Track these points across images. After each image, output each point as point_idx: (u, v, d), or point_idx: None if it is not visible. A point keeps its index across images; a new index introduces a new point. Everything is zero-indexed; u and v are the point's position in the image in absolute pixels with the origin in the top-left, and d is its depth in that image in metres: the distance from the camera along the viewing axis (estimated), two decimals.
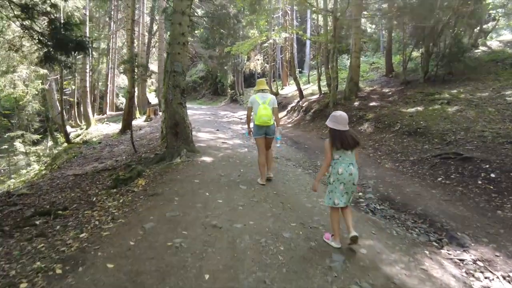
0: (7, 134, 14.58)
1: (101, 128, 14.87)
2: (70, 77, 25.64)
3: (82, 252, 3.34)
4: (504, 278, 3.48)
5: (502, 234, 4.38)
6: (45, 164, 10.55)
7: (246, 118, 5.78)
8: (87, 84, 15.42)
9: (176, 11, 7.26)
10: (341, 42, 20.33)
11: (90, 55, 8.12)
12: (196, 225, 3.89)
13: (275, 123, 5.44)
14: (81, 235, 3.84)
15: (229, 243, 3.51)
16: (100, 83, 29.77)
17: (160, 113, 17.86)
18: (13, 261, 3.26)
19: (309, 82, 22.74)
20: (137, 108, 19.05)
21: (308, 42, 30.41)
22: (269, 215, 4.31)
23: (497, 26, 20.36)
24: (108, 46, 25.69)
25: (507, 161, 6.05)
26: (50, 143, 16.13)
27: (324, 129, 12.60)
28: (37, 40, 4.97)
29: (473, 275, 3.53)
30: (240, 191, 5.20)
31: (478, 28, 17.78)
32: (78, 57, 15.68)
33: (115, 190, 5.61)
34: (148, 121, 15.76)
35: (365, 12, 16.77)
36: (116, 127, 14.55)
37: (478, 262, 3.77)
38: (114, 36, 25.43)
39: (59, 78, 12.36)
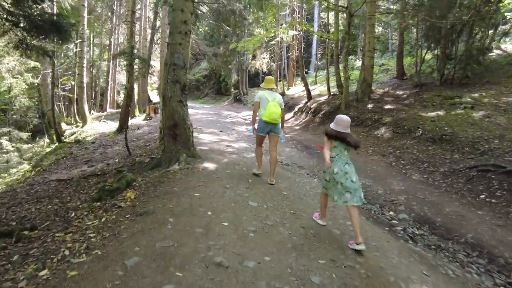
0: None
1: (98, 126, 13.92)
2: (69, 72, 24.77)
3: None
4: None
5: None
6: (31, 166, 9.62)
7: (252, 114, 5.55)
8: (84, 80, 14.47)
9: None
10: (353, 41, 19.37)
11: (72, 41, 7.18)
12: (194, 262, 2.90)
13: (281, 123, 5.32)
14: (41, 273, 2.85)
15: None
16: (101, 80, 28.84)
17: (159, 111, 16.91)
18: None
19: (316, 83, 21.75)
20: (137, 106, 18.08)
21: (314, 42, 29.40)
22: (290, 247, 3.32)
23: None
24: (110, 41, 24.73)
25: None
26: (47, 140, 15.21)
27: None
28: (5, 19, 4.02)
29: None
30: (249, 210, 4.21)
31: (492, 30, 16.78)
32: (75, 49, 14.72)
33: (99, 203, 4.62)
34: (147, 119, 14.79)
35: (378, 10, 15.76)
36: (114, 125, 13.59)
37: None
38: (116, 31, 24.47)
39: (50, 71, 11.40)
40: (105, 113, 24.15)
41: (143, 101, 18.73)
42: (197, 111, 17.79)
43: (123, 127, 12.65)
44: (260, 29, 21.57)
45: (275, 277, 2.76)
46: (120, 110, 22.31)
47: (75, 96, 24.22)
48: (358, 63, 22.06)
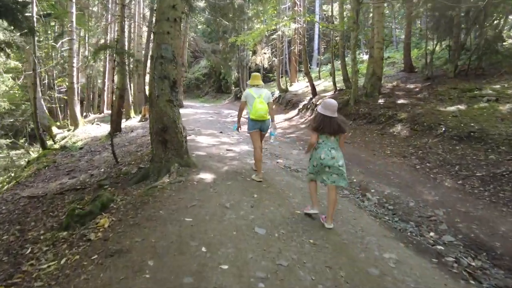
0: None
1: (90, 129, 12.94)
2: (65, 73, 23.75)
3: None
4: None
5: None
6: (7, 177, 8.64)
7: (238, 112, 5.62)
8: (74, 80, 13.45)
9: None
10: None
11: (33, 33, 6.18)
12: None
13: (270, 118, 5.23)
14: None
15: None
16: (99, 81, 27.83)
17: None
18: None
19: (319, 78, 20.62)
20: (132, 107, 17.04)
21: (316, 36, 28.23)
22: None
23: None
24: (106, 40, 23.67)
25: None
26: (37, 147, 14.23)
27: (347, 132, 10.54)
28: None
29: None
30: (256, 241, 3.19)
31: (504, 18, 15.68)
32: (63, 48, 13.68)
33: (65, 233, 3.61)
34: (143, 121, 13.75)
35: None
36: (107, 128, 12.56)
37: None
38: (112, 30, 23.38)
39: (32, 71, 10.40)
40: (102, 114, 23.17)
41: (139, 101, 17.65)
42: (196, 110, 16.78)
43: (115, 130, 11.65)
44: (260, 24, 20.49)
45: None
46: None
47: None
48: (363, 57, 20.96)
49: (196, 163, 5.65)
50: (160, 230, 3.29)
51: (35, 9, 10.04)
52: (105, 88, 24.39)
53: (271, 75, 26.14)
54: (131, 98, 16.80)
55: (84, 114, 22.35)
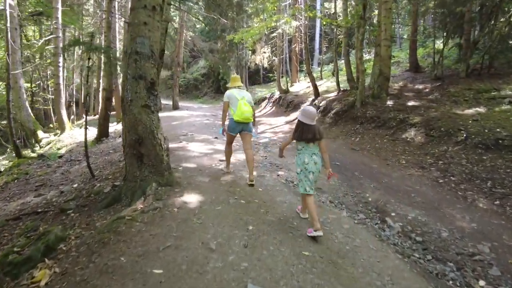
0: None
1: (77, 134, 11.96)
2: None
3: None
4: None
5: None
6: None
7: (222, 114, 5.24)
8: (60, 81, 12.46)
9: None
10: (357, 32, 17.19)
11: None
12: None
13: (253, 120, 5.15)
14: None
15: None
16: (95, 80, 26.81)
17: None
18: None
19: (321, 78, 19.62)
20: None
21: (317, 36, 27.24)
22: None
23: None
24: (100, 39, 22.66)
25: None
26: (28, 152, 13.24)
27: (354, 137, 9.55)
28: None
29: None
30: None
31: None
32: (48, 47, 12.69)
33: None
34: None
35: None
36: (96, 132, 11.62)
37: None
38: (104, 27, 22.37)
39: (6, 71, 9.40)
40: (97, 116, 22.17)
41: None
42: (192, 112, 15.79)
43: (102, 135, 10.68)
44: (260, 22, 19.48)
45: None
46: (113, 113, 20.29)
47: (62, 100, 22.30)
48: (366, 56, 19.91)
49: (179, 182, 4.67)
50: None
51: (8, 2, 9.06)
52: (100, 89, 23.39)
53: (271, 75, 25.16)
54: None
55: (72, 116, 21.31)
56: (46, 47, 12.43)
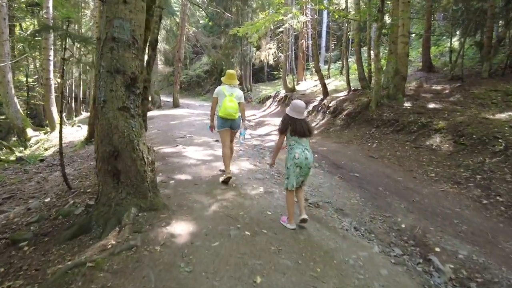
0: None
1: (68, 132, 11.02)
2: (56, 68, 21.80)
3: None
4: None
5: None
6: None
7: (210, 111, 5.06)
8: (51, 76, 11.50)
9: None
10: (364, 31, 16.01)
11: None
12: None
13: (242, 118, 4.97)
14: None
15: None
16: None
17: (149, 113, 13.89)
18: None
19: (329, 77, 18.56)
20: None
21: (324, 33, 26.14)
22: None
23: None
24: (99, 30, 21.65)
25: None
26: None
27: (370, 142, 8.53)
28: None
29: None
30: None
31: None
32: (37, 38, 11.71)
33: None
34: None
35: None
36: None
37: None
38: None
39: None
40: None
41: None
42: (193, 110, 14.80)
43: (92, 135, 9.70)
44: (266, 16, 18.43)
45: None
46: None
47: (61, 95, 21.35)
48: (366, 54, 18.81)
49: (168, 204, 3.68)
50: None
51: None
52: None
53: (275, 72, 24.09)
54: None
55: (64, 113, 20.36)
56: (36, 39, 11.45)
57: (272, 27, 15.29)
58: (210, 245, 2.94)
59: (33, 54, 16.77)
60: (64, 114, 18.71)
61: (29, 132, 11.81)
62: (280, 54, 17.46)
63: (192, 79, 33.32)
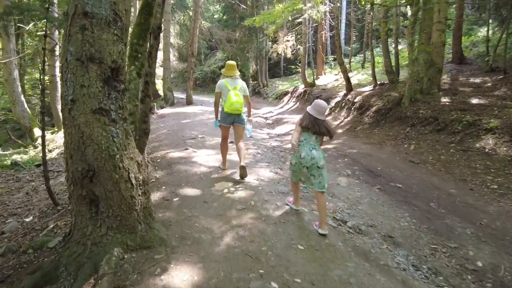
0: None
1: None
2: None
3: None
4: None
5: None
6: None
7: (214, 106, 4.83)
8: (56, 72, 10.78)
9: None
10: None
11: None
12: None
13: (247, 112, 4.84)
14: None
15: None
16: None
17: (158, 111, 13.08)
18: None
19: (350, 70, 17.32)
20: None
21: (342, 25, 24.73)
22: None
23: None
24: None
25: None
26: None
27: (407, 143, 7.41)
28: None
29: None
30: None
31: None
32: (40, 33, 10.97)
33: None
34: None
35: None
36: None
37: None
38: None
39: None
40: None
41: None
42: (207, 108, 13.88)
43: None
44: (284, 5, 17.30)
45: None
46: None
47: None
48: (401, 47, 17.36)
49: (166, 237, 2.74)
50: None
51: None
52: None
53: (293, 67, 22.94)
54: None
55: None
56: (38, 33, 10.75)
57: (290, 18, 14.19)
58: None
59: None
60: None
61: (37, 131, 11.16)
62: (298, 46, 16.32)
63: (207, 75, 32.46)
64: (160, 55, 20.92)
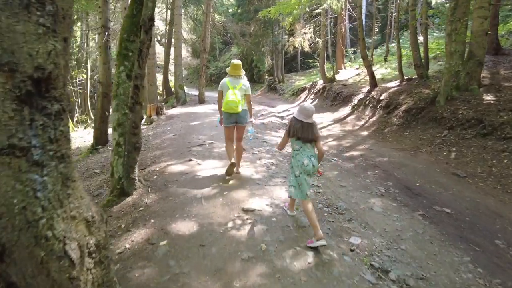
0: None
1: (79, 136, 9.66)
2: (82, 64, 20.93)
3: None
4: None
5: None
6: None
7: (217, 104, 4.77)
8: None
9: None
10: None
11: None
12: None
13: (248, 113, 4.68)
14: None
15: None
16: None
17: (168, 112, 12.31)
18: None
19: (372, 64, 16.04)
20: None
21: (363, 15, 23.26)
22: None
23: None
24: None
25: None
26: None
27: (446, 150, 6.32)
28: None
29: None
30: None
31: None
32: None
33: None
34: (147, 124, 10.31)
35: None
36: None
37: None
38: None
39: None
40: None
41: (152, 97, 14.15)
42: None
43: (99, 141, 8.21)
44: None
45: None
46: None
47: (88, 93, 20.48)
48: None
49: None
50: None
51: None
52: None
53: (310, 61, 21.74)
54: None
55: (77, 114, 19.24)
56: None
57: (308, 9, 13.10)
58: None
59: None
60: (76, 115, 17.68)
61: None
62: (317, 39, 15.18)
63: (221, 71, 31.60)
64: (171, 51, 20.19)
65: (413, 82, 10.67)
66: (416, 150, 6.71)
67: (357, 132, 8.74)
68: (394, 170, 5.60)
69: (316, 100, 14.15)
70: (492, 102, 7.20)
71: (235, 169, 4.67)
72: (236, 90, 4.45)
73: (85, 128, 11.77)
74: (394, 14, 18.22)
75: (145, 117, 12.23)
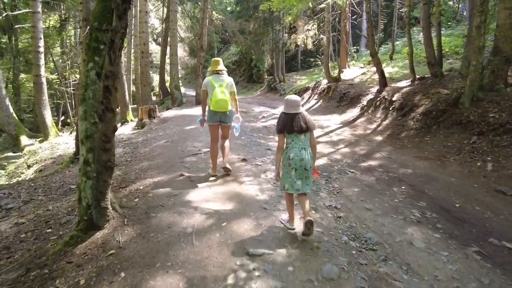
0: None
1: (62, 142, 8.74)
2: (75, 64, 19.90)
3: None
4: None
5: None
6: None
7: (201, 104, 4.66)
8: (41, 72, 9.11)
9: None
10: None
11: None
12: None
13: (235, 109, 4.71)
14: None
15: None
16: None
17: (162, 114, 11.36)
18: None
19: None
20: (130, 107, 12.52)
21: (365, 14, 22.35)
22: None
23: None
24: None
25: None
26: None
27: (479, 160, 5.39)
28: None
29: None
30: None
31: None
32: (21, 25, 9.38)
33: None
34: (137, 128, 9.34)
35: None
36: None
37: None
38: None
39: None
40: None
41: (145, 98, 13.14)
42: None
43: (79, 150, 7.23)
44: None
45: None
46: (136, 106, 17.08)
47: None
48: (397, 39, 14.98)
49: None
50: None
51: None
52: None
53: (312, 59, 20.79)
54: (127, 95, 12.16)
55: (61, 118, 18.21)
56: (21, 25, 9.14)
57: (311, 5, 12.17)
58: None
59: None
60: (62, 119, 16.67)
61: (23, 140, 9.67)
62: (321, 36, 14.23)
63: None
64: (167, 50, 19.20)
65: (426, 81, 9.75)
66: (443, 159, 5.79)
67: (370, 137, 7.81)
68: (424, 185, 4.68)
69: (321, 100, 13.21)
70: None
71: (224, 167, 4.52)
72: (223, 88, 4.34)
73: (70, 133, 10.80)
74: (400, 10, 17.32)
75: (136, 120, 11.29)
